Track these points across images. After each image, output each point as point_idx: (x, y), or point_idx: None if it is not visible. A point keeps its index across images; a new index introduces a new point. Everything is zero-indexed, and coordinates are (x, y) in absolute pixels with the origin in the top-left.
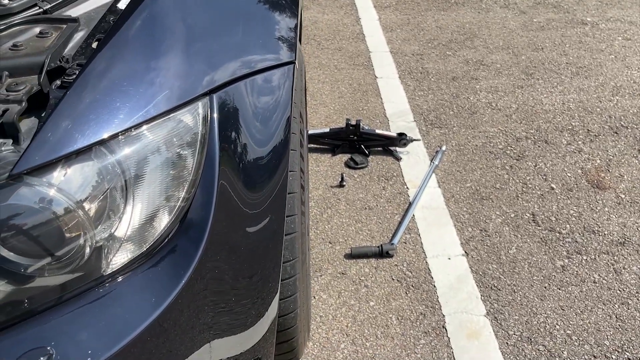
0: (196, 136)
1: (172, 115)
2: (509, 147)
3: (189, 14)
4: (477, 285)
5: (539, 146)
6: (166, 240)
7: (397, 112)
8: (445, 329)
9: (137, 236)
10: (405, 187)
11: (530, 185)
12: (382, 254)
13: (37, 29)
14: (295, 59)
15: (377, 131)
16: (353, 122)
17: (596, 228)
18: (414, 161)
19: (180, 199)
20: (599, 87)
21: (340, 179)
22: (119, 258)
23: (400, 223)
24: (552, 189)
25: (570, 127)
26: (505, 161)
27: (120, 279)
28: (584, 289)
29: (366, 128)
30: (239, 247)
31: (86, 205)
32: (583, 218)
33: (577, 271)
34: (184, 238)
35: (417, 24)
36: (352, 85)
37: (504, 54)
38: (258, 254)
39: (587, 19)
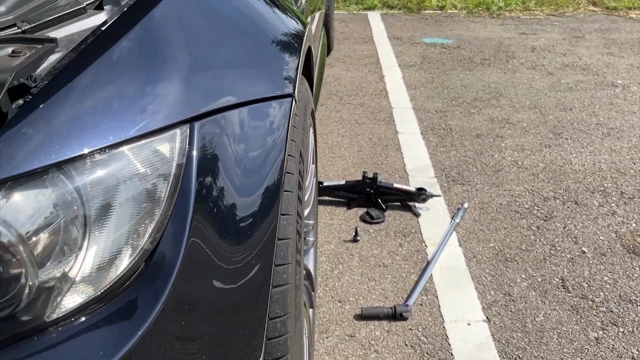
0: (170, 168)
1: (145, 141)
2: (535, 207)
3: (181, 36)
4: (499, 356)
5: (568, 207)
6: (126, 284)
7: (417, 167)
8: None
9: (93, 277)
10: (424, 244)
11: (559, 248)
12: (395, 316)
13: (10, 49)
14: (294, 93)
15: (395, 185)
16: (370, 175)
17: (633, 297)
18: (434, 218)
19: (147, 238)
20: (632, 149)
21: (354, 234)
22: (69, 301)
23: (416, 283)
24: (584, 252)
25: (602, 189)
26: (531, 221)
27: (66, 326)
28: None
29: (383, 182)
30: (209, 300)
31: (32, 239)
32: (618, 285)
33: (613, 344)
34: (147, 284)
35: (442, 83)
36: (372, 139)
37: (531, 113)
38: (235, 311)
39: (618, 82)
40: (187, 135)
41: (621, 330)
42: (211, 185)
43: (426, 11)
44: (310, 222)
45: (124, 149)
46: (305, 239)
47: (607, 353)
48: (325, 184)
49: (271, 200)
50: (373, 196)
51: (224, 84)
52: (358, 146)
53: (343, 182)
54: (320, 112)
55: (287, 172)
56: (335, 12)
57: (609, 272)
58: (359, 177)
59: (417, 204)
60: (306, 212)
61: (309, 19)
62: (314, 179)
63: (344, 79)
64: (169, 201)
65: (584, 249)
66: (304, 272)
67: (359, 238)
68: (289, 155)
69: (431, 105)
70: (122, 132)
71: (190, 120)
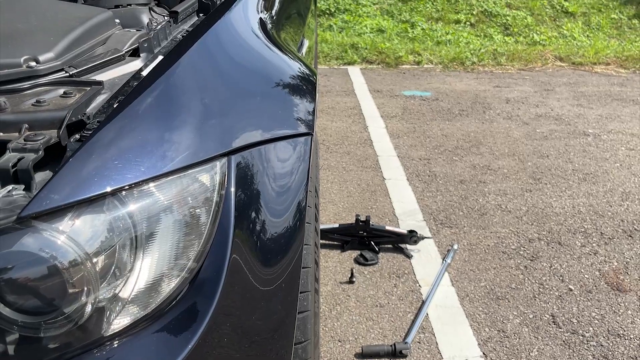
0: (212, 197)
1: (188, 172)
2: (522, 248)
3: (211, 82)
4: None
5: (552, 247)
6: (172, 303)
7: (406, 211)
8: None
9: (142, 298)
10: (418, 284)
11: (547, 286)
12: (395, 353)
13: (61, 90)
14: (313, 132)
15: (387, 228)
16: (363, 218)
17: (621, 331)
18: (426, 259)
19: (190, 262)
20: (608, 193)
21: (350, 275)
22: (121, 320)
23: (413, 322)
24: (571, 290)
25: (582, 230)
26: (519, 261)
27: (120, 342)
28: None
29: (376, 224)
30: (246, 323)
31: (94, 259)
32: (606, 321)
33: None
34: (191, 304)
35: (423, 132)
36: (361, 185)
37: (510, 160)
38: (268, 334)
39: (589, 131)
40: (226, 167)
41: None
42: (247, 213)
43: (403, 66)
44: None
45: (171, 178)
46: None
47: None
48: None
49: (297, 230)
50: (366, 239)
51: (254, 124)
52: (347, 192)
53: (337, 225)
54: None
55: (308, 206)
56: (317, 66)
57: (596, 308)
58: (352, 221)
59: (408, 246)
60: None
61: None
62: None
63: (329, 129)
64: (211, 227)
65: (570, 286)
66: None
67: (354, 279)
68: (309, 190)
69: (415, 153)
70: (169, 163)
71: (228, 154)
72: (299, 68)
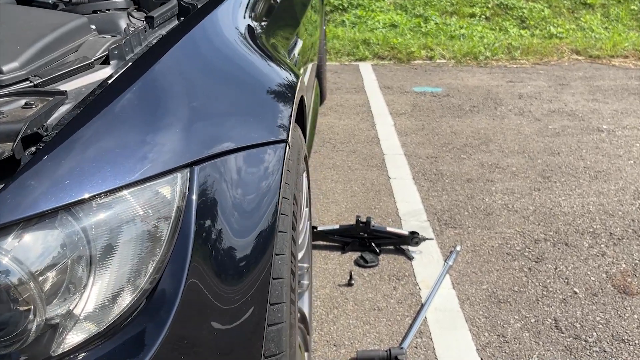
0: (171, 210)
1: (148, 184)
2: (527, 249)
3: (180, 88)
4: None
5: (558, 249)
6: (128, 320)
7: (410, 211)
8: None
9: (97, 314)
10: (418, 287)
11: (551, 289)
12: (390, 359)
13: (22, 101)
14: (287, 139)
15: (388, 229)
16: (363, 219)
17: (626, 337)
18: (427, 261)
19: (148, 276)
20: (620, 191)
21: (349, 277)
22: (73, 337)
23: (411, 326)
24: (575, 293)
25: (591, 230)
26: (523, 263)
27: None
28: None
29: (377, 225)
30: (207, 337)
31: (41, 277)
32: (611, 325)
33: None
34: (147, 320)
35: (432, 129)
36: (365, 185)
37: (520, 157)
38: (230, 348)
39: (603, 127)
40: (187, 178)
41: None
42: (209, 226)
43: (416, 61)
44: (305, 265)
45: (127, 192)
46: (300, 282)
47: None
48: (319, 228)
49: (266, 241)
50: (367, 240)
51: (222, 131)
52: (351, 191)
53: (337, 226)
54: (314, 159)
55: (282, 214)
56: (327, 63)
57: (601, 312)
58: (353, 222)
59: (410, 247)
60: (300, 254)
61: (301, 70)
62: (308, 222)
63: (336, 127)
64: (169, 241)
65: (575, 289)
66: (299, 315)
67: (353, 282)
68: (283, 197)
69: (422, 152)
70: (126, 176)
71: (190, 165)
72: (280, 72)
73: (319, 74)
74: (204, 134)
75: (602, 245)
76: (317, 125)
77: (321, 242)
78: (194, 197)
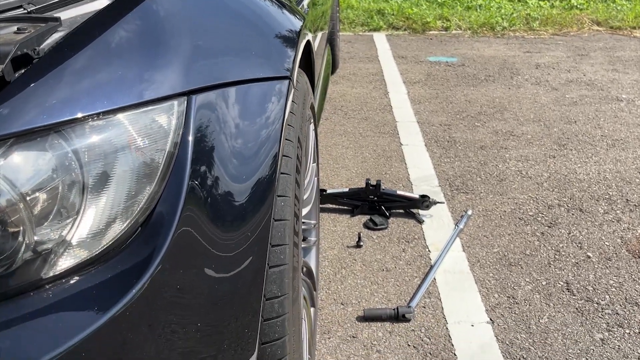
0: (167, 138)
1: (143, 109)
2: (540, 214)
3: (181, 18)
4: (503, 356)
5: (572, 214)
6: (120, 248)
7: (421, 177)
8: None
9: (89, 240)
10: (427, 250)
11: (563, 253)
12: (397, 317)
13: (15, 27)
14: (291, 77)
15: (399, 192)
16: (373, 182)
17: (639, 300)
18: (438, 225)
19: (142, 205)
20: (638, 159)
21: (357, 239)
22: (64, 262)
23: (419, 286)
24: (589, 257)
25: (607, 197)
26: (535, 228)
27: (61, 284)
28: None
29: (387, 189)
30: (203, 273)
31: (32, 200)
32: (624, 289)
33: (619, 345)
34: (140, 248)
35: (446, 98)
36: (377, 151)
37: (535, 126)
38: (229, 288)
39: (623, 96)
40: (185, 107)
41: (627, 331)
42: (207, 159)
43: (431, 32)
44: (312, 221)
45: (122, 115)
46: (306, 238)
47: (612, 354)
48: (328, 191)
49: (268, 180)
50: (376, 203)
51: (222, 63)
52: (362, 157)
53: (346, 189)
54: (325, 126)
55: (285, 155)
56: (340, 33)
57: (615, 276)
58: (363, 185)
59: (420, 211)
60: (306, 210)
61: (311, 35)
62: (315, 178)
63: (348, 95)
64: (164, 171)
65: (589, 254)
66: (305, 269)
67: (362, 243)
68: (286, 139)
69: (435, 119)
70: (121, 99)
71: (188, 93)
72: (285, 13)
73: (332, 41)
74: (203, 64)
75: (618, 212)
76: (328, 93)
77: (330, 206)
78: (191, 127)
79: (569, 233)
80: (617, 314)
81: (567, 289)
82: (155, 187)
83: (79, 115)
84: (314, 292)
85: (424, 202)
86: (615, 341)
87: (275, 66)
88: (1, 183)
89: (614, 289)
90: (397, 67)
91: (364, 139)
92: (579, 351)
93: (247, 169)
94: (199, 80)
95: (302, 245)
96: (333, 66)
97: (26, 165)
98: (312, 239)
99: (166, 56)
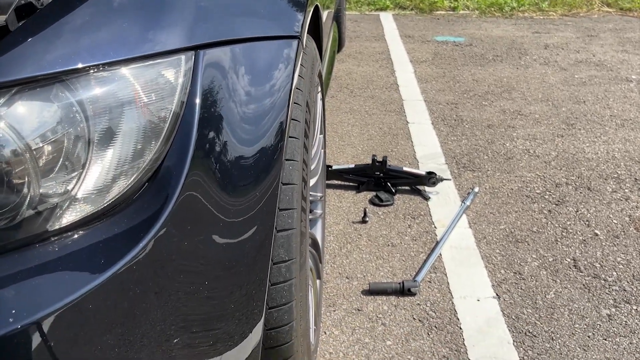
0: (175, 93)
1: (149, 62)
2: (547, 192)
3: None
4: (509, 330)
5: (580, 192)
6: (126, 202)
7: (427, 154)
8: None
9: (95, 195)
10: (433, 226)
11: (571, 231)
12: (403, 291)
13: None
14: (300, 36)
15: (405, 169)
16: (379, 159)
17: None
18: (444, 201)
19: (148, 161)
20: None
21: (362, 215)
22: (69, 216)
23: (425, 261)
24: (596, 235)
25: (615, 175)
26: (543, 205)
27: (66, 237)
28: (634, 341)
29: (393, 165)
30: (209, 233)
31: (38, 151)
32: (632, 266)
33: (625, 321)
34: (146, 204)
35: (453, 77)
36: (383, 129)
37: (543, 105)
38: (235, 248)
39: (632, 77)
40: (192, 62)
41: (634, 307)
42: (214, 120)
43: (438, 12)
44: (318, 194)
45: (127, 68)
46: (312, 210)
47: (619, 329)
48: (334, 167)
49: (275, 143)
50: (382, 180)
51: (230, 22)
52: (368, 135)
53: (352, 165)
54: (331, 104)
55: (293, 119)
56: (347, 12)
57: (622, 254)
58: (369, 162)
59: (427, 188)
60: (313, 181)
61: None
62: (322, 150)
63: (355, 73)
64: (172, 127)
65: (596, 231)
66: (311, 240)
67: (367, 219)
68: (295, 103)
69: (442, 98)
70: (126, 51)
71: (195, 48)
72: None
73: (338, 19)
74: (212, 20)
75: (626, 190)
76: (334, 72)
77: (336, 182)
78: (198, 82)
79: (577, 211)
80: (624, 290)
81: (574, 266)
82: (161, 145)
83: (83, 65)
84: (320, 265)
85: (430, 178)
86: (622, 317)
87: (284, 26)
88: (7, 132)
89: (621, 266)
90: (404, 46)
91: (370, 116)
92: (585, 326)
93: (255, 132)
94: (206, 36)
95: (309, 217)
96: (339, 44)
97: (31, 116)
98: (318, 211)
99: (173, 13)
